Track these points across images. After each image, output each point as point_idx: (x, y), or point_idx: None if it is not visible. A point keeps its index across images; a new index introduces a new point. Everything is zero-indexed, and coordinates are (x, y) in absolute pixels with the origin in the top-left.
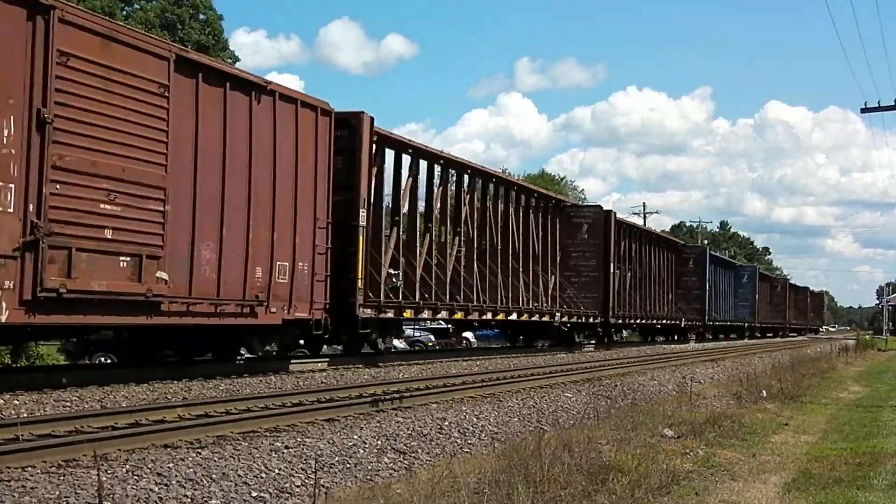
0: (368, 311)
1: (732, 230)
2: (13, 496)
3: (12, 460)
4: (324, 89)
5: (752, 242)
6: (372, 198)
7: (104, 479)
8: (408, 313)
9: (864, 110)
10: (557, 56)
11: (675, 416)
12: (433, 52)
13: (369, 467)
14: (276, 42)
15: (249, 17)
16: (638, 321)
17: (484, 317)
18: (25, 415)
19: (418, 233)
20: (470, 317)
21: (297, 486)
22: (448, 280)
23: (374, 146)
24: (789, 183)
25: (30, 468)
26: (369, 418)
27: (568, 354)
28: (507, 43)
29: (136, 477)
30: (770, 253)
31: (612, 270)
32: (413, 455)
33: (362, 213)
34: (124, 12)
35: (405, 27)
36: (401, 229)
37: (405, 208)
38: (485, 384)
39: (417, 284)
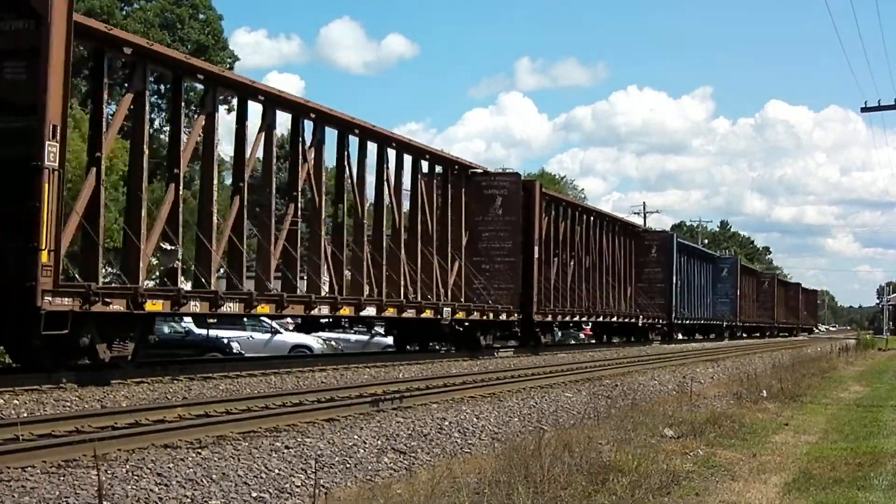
0: None
1: (733, 230)
2: (13, 496)
3: (12, 460)
4: (324, 89)
5: (752, 242)
6: None
7: (104, 479)
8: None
9: (864, 109)
10: (558, 56)
11: (676, 416)
12: (434, 51)
13: (369, 467)
14: (276, 42)
15: (250, 17)
16: (577, 318)
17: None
18: (25, 415)
19: None
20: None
21: (297, 487)
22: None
23: None
24: (790, 182)
25: (30, 468)
26: (369, 418)
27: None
28: (507, 43)
29: (136, 477)
30: (770, 252)
31: (535, 255)
32: (413, 455)
33: None
34: (124, 12)
35: (406, 27)
36: None
37: None
38: (485, 384)
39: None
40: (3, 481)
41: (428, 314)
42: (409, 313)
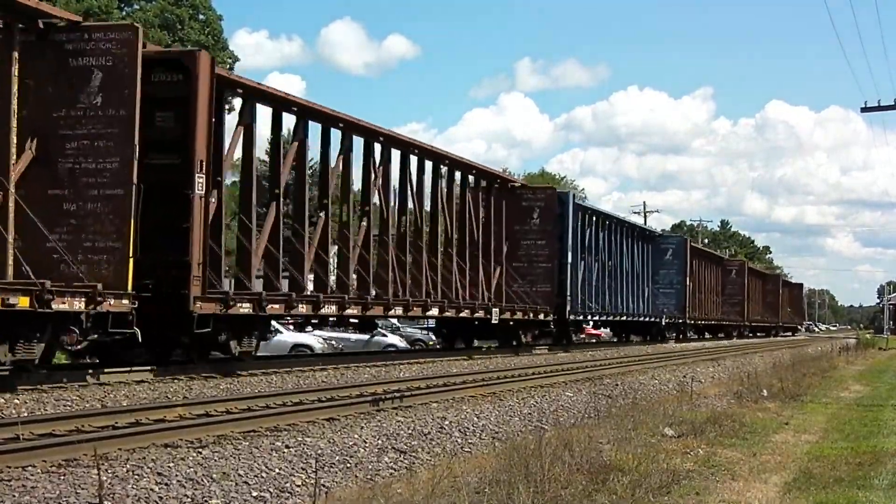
0: None
1: (733, 229)
2: (13, 496)
3: (12, 460)
4: (325, 90)
5: (752, 242)
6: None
7: (104, 478)
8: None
9: (864, 109)
10: (558, 56)
11: (676, 416)
12: (434, 52)
13: (370, 467)
14: (277, 43)
15: (251, 18)
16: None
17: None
18: (26, 414)
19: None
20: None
21: (298, 486)
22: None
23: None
24: (790, 182)
25: (30, 468)
26: (370, 417)
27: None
28: (508, 44)
29: (136, 476)
30: (770, 252)
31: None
32: (413, 454)
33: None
34: (123, 12)
35: (407, 28)
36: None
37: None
38: (485, 383)
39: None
40: (4, 481)
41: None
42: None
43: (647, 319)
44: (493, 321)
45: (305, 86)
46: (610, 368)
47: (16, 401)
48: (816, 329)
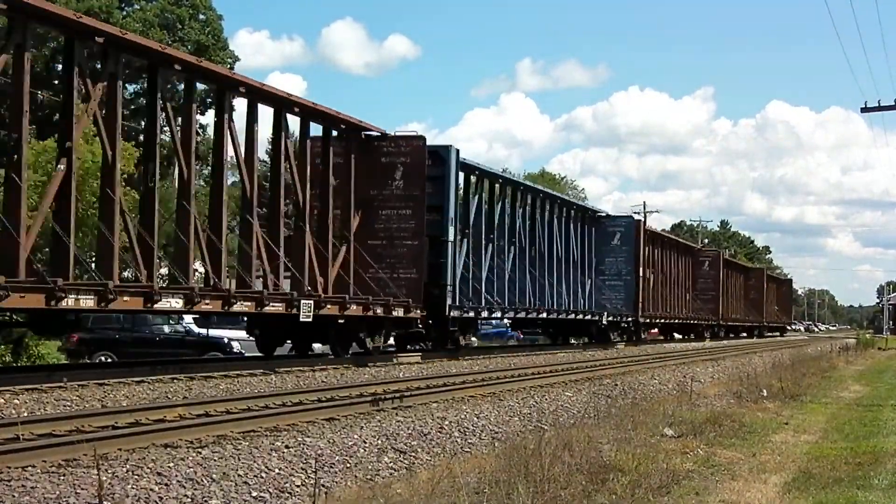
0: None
1: (733, 229)
2: (13, 496)
3: (12, 460)
4: (326, 90)
5: (752, 241)
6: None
7: (104, 478)
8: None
9: (864, 110)
10: (559, 57)
11: (676, 416)
12: (435, 52)
13: (369, 467)
14: (278, 43)
15: (252, 18)
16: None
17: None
18: (26, 414)
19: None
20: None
21: (298, 486)
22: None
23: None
24: (790, 182)
25: (30, 468)
26: (369, 418)
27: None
28: (508, 44)
29: (136, 476)
30: (770, 252)
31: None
32: (413, 454)
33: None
34: (124, 12)
35: (407, 28)
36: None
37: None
38: (485, 383)
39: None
40: (4, 481)
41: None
42: (578, 317)
43: (583, 318)
44: (303, 318)
45: (306, 86)
46: (609, 368)
47: (16, 401)
48: (816, 329)
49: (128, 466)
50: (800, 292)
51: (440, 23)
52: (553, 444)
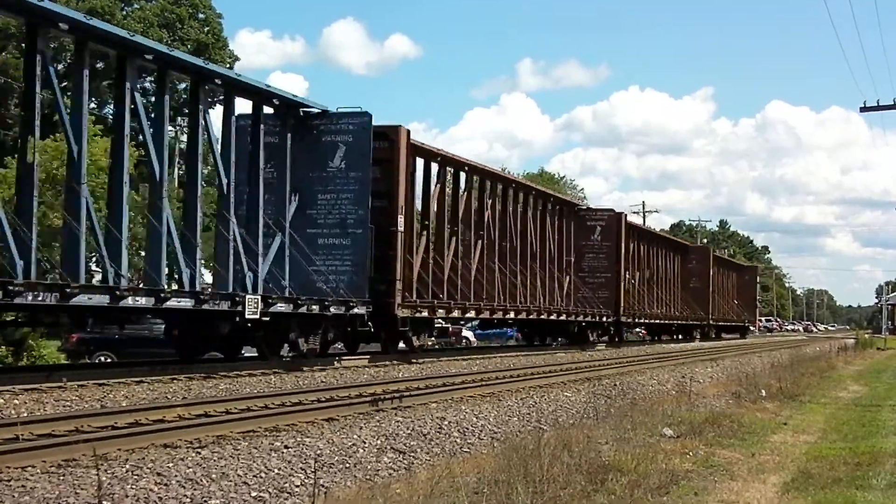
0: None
1: (732, 229)
2: (13, 496)
3: (12, 460)
4: (327, 89)
5: (751, 241)
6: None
7: (104, 478)
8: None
9: (863, 109)
10: (559, 57)
11: (675, 416)
12: (436, 52)
13: (369, 467)
14: (280, 42)
15: (254, 18)
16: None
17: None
18: (25, 414)
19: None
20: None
21: (297, 486)
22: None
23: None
24: (790, 182)
25: (30, 468)
26: (369, 418)
27: (578, 352)
28: (509, 44)
29: (135, 477)
30: (769, 252)
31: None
32: (413, 455)
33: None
34: (124, 12)
35: (408, 28)
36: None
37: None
38: (484, 384)
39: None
40: (3, 481)
41: (561, 317)
42: (551, 316)
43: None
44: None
45: (308, 86)
46: (609, 368)
47: (16, 401)
48: (815, 329)
49: (127, 467)
50: (799, 292)
51: (441, 23)
52: (552, 445)
